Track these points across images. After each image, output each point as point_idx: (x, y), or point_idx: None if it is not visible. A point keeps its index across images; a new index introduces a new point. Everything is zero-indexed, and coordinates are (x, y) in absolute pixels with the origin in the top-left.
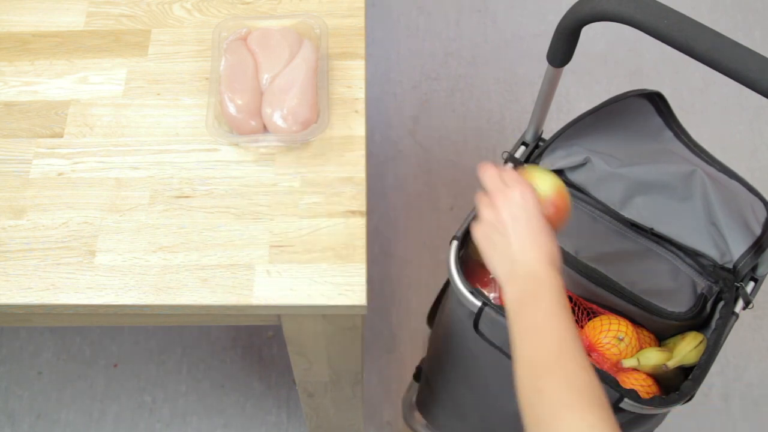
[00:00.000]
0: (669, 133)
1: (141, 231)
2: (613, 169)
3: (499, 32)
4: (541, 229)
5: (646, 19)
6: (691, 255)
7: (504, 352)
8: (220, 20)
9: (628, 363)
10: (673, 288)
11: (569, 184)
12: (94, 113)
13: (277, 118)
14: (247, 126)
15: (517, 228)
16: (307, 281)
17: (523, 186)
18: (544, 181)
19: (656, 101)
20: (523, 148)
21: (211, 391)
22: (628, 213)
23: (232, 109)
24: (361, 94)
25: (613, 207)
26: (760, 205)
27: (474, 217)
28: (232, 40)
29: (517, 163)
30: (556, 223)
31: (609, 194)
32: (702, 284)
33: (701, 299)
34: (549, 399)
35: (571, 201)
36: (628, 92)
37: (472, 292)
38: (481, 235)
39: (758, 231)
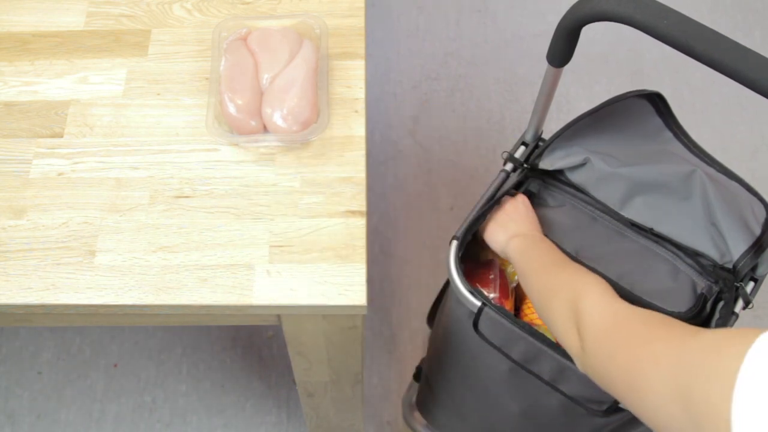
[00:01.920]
0: (669, 134)
1: (141, 231)
2: (613, 169)
3: (499, 32)
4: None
5: (646, 19)
6: (691, 255)
7: (504, 352)
8: (220, 20)
9: None
10: (673, 288)
11: (569, 184)
12: (94, 113)
13: (277, 118)
14: (247, 126)
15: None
16: (307, 281)
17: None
18: None
19: (656, 102)
20: (523, 148)
21: (211, 391)
22: (628, 213)
23: (232, 109)
24: (361, 94)
25: (612, 207)
26: (760, 206)
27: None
28: (232, 40)
29: (518, 163)
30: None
31: (609, 194)
32: (702, 284)
33: (701, 299)
34: (559, 308)
35: None
36: (627, 93)
37: (472, 292)
38: (494, 222)
39: (758, 231)
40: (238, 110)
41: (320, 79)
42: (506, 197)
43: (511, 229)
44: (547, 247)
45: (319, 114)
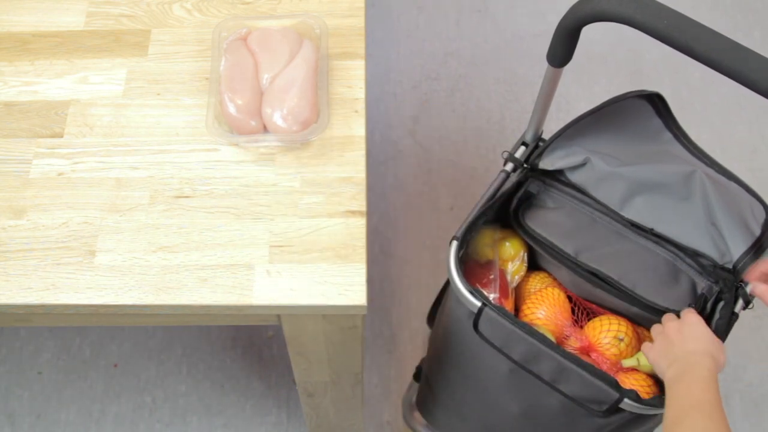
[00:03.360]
0: (668, 135)
1: (141, 231)
2: (613, 169)
3: (499, 32)
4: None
5: (646, 19)
6: (691, 255)
7: (504, 352)
8: (220, 20)
9: (628, 363)
10: (673, 288)
11: (569, 184)
12: (94, 113)
13: (277, 118)
14: (247, 126)
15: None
16: (307, 281)
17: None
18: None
19: (656, 102)
20: (523, 148)
21: (211, 391)
22: (628, 213)
23: (232, 109)
24: (361, 94)
25: (613, 207)
26: (759, 207)
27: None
28: (232, 40)
29: (518, 163)
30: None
31: (609, 194)
32: (702, 284)
33: (701, 299)
34: None
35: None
36: (627, 93)
37: (472, 292)
38: (657, 347)
39: (758, 232)
40: (238, 110)
41: (320, 79)
42: (668, 315)
43: (671, 354)
44: (699, 385)
45: (319, 114)
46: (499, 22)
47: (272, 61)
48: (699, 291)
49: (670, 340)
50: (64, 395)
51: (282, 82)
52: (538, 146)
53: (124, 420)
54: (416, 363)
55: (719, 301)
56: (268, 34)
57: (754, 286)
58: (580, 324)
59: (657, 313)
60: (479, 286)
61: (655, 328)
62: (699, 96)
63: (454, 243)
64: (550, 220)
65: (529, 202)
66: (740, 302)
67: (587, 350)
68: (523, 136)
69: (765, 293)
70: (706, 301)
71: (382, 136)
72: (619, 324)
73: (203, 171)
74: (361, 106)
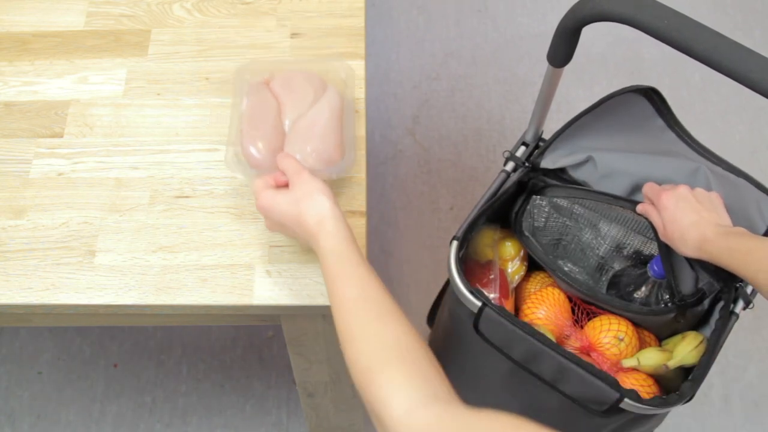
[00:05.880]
0: (672, 135)
1: (141, 231)
2: (616, 165)
3: (499, 32)
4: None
5: (646, 19)
6: None
7: (504, 352)
8: (243, 63)
9: (628, 363)
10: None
11: (572, 181)
12: (94, 113)
13: (300, 157)
14: (269, 166)
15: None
16: (307, 281)
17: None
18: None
19: (654, 100)
20: (523, 147)
21: (211, 391)
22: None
23: (254, 151)
24: (361, 94)
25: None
26: (767, 202)
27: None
28: (255, 82)
29: (519, 162)
30: None
31: (612, 191)
32: (704, 278)
33: (700, 293)
34: None
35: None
36: (624, 88)
37: (472, 292)
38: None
39: (763, 228)
40: (259, 151)
41: (346, 120)
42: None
43: (706, 216)
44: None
45: (344, 154)
46: (499, 22)
47: (296, 104)
48: (699, 285)
49: (693, 201)
50: (64, 395)
51: (305, 123)
52: (538, 146)
53: (124, 420)
54: None
55: (719, 300)
56: (292, 78)
57: (640, 207)
58: (580, 324)
59: (657, 313)
60: (479, 286)
61: (666, 193)
62: (699, 96)
63: (454, 243)
64: (542, 238)
65: (526, 212)
66: (740, 302)
67: (587, 350)
68: (524, 135)
69: (647, 209)
70: (704, 296)
71: (382, 136)
72: (619, 324)
73: (203, 171)
74: (361, 106)
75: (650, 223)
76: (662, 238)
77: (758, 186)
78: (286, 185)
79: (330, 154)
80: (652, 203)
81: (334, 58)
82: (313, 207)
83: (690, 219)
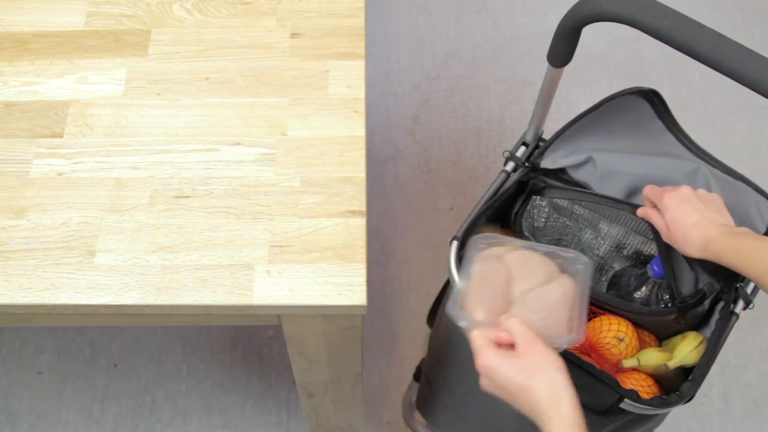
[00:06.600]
0: (671, 137)
1: (141, 231)
2: (616, 166)
3: (499, 32)
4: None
5: (646, 19)
6: None
7: None
8: (478, 236)
9: (628, 363)
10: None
11: (572, 182)
12: (94, 113)
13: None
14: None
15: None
16: (307, 281)
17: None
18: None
19: (654, 102)
20: (523, 148)
21: (211, 391)
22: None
23: (479, 316)
24: (361, 94)
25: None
26: (766, 204)
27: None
28: (488, 253)
29: (519, 162)
30: None
31: (612, 191)
32: (704, 279)
33: (700, 294)
34: None
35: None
36: (624, 90)
37: None
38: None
39: (762, 229)
40: (482, 313)
41: (579, 305)
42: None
43: (709, 217)
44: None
45: (575, 329)
46: (499, 22)
47: (528, 278)
48: (700, 285)
49: (696, 201)
50: (64, 395)
51: (535, 295)
52: (538, 146)
53: (124, 420)
54: (416, 363)
55: (719, 300)
56: (528, 256)
57: (640, 210)
58: None
59: (657, 313)
60: None
61: (668, 194)
62: (699, 96)
63: (454, 243)
64: (542, 238)
65: (526, 212)
66: (740, 302)
67: (587, 350)
68: (524, 136)
69: (648, 212)
70: (704, 297)
71: (382, 136)
72: (619, 324)
73: (203, 171)
74: (361, 106)
75: (651, 227)
76: (665, 239)
77: (756, 189)
78: (507, 345)
79: (559, 329)
80: (653, 205)
81: (577, 256)
82: (548, 383)
83: (693, 219)
